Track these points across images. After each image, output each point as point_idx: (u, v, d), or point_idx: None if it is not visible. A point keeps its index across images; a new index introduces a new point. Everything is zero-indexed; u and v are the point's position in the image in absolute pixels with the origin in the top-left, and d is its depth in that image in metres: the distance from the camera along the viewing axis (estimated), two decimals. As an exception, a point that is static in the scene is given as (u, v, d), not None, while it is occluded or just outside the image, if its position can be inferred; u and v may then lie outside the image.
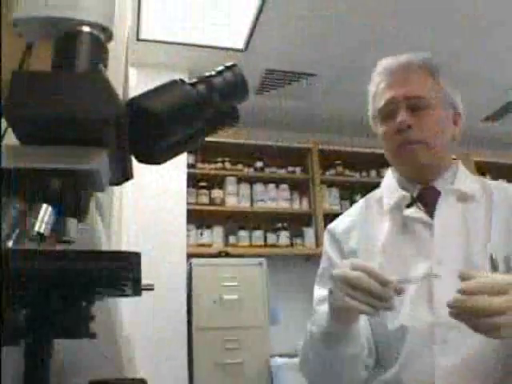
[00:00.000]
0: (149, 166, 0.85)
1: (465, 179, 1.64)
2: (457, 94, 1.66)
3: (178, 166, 4.84)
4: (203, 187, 5.41)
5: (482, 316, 1.11)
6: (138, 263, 0.63)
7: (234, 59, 1.04)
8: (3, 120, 0.70)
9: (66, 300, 0.68)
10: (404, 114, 1.54)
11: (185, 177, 4.97)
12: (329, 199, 5.88)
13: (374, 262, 1.45)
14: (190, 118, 0.80)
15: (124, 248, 2.61)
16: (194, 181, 5.31)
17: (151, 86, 0.78)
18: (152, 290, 0.79)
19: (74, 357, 1.02)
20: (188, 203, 4.98)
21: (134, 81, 3.30)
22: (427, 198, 1.60)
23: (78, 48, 0.74)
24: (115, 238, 3.06)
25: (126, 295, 0.77)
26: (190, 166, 5.21)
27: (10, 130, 0.70)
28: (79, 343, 0.75)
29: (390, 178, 1.73)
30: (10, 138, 0.71)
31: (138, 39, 4.48)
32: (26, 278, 0.66)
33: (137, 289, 0.73)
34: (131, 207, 4.36)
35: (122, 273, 0.66)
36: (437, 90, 1.60)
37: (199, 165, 5.46)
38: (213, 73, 0.86)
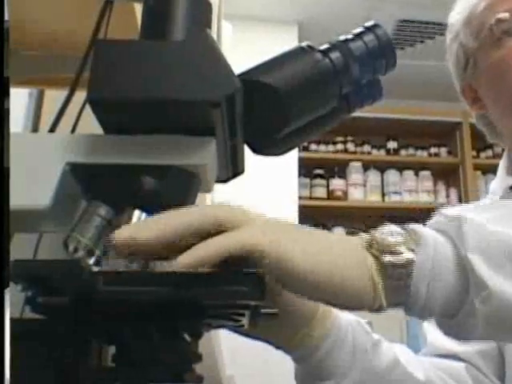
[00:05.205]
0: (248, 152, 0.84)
1: None
2: None
3: (286, 150, 4.78)
4: (319, 176, 5.38)
5: None
6: (263, 288, 0.62)
7: (358, 8, 1.02)
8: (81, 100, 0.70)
9: (167, 334, 0.67)
10: None
11: (296, 163, 4.92)
12: (485, 189, 5.75)
13: None
14: (322, 96, 0.78)
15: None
16: (307, 168, 5.29)
17: (250, 44, 0.77)
18: (276, 317, 0.79)
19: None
20: (300, 197, 4.97)
21: (228, 38, 3.32)
22: None
23: (175, 7, 0.73)
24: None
25: (241, 326, 0.77)
26: (301, 148, 5.16)
27: (86, 114, 0.70)
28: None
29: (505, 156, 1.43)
30: (92, 127, 0.71)
31: (232, -15, 4.52)
32: (115, 308, 0.65)
33: (256, 318, 0.72)
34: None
35: (241, 299, 0.65)
36: None
37: (313, 147, 5.42)
38: (349, 36, 0.84)
